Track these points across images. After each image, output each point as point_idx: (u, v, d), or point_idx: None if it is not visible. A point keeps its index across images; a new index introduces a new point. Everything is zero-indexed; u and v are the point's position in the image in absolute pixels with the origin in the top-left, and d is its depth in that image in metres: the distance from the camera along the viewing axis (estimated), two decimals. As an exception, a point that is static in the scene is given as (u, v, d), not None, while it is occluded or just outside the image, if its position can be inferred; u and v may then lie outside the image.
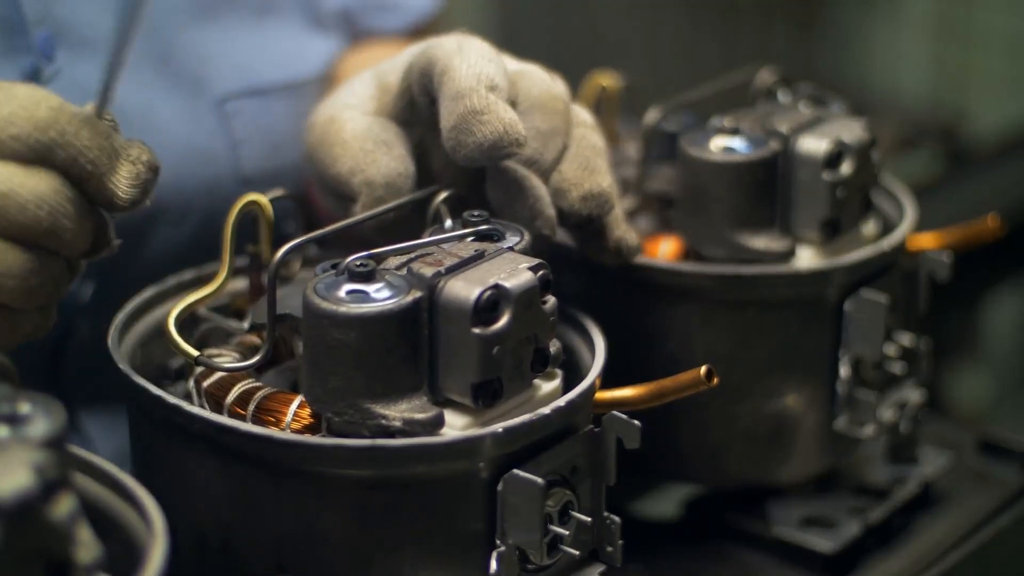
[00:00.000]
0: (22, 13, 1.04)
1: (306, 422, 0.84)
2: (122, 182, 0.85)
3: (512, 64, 0.96)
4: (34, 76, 1.06)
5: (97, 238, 0.87)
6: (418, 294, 0.81)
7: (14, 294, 0.83)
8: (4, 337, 0.84)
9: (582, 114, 0.97)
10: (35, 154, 0.82)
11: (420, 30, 1.33)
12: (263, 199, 0.93)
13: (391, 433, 0.80)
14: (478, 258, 0.83)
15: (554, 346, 0.85)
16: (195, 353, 0.88)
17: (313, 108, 1.03)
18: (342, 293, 0.81)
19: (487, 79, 0.90)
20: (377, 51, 1.28)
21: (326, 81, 1.23)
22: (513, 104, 0.92)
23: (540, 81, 0.95)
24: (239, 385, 0.87)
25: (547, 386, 0.86)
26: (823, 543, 1.06)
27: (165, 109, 1.12)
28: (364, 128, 0.96)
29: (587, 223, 0.94)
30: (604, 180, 0.94)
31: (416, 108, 0.96)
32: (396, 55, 1.00)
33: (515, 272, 0.82)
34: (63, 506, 0.63)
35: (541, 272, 0.83)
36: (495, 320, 0.81)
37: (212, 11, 1.15)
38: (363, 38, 1.28)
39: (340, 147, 0.96)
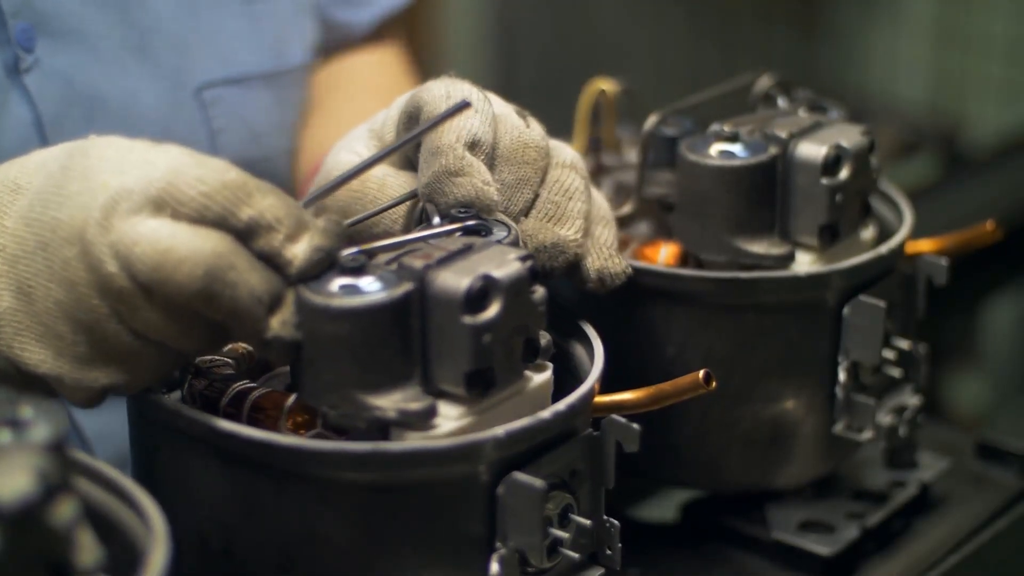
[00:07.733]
0: None
1: (300, 419, 0.85)
2: (300, 251, 0.81)
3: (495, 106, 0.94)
4: (13, 68, 1.05)
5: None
6: (409, 286, 0.81)
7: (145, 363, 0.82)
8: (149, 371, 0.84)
9: (563, 153, 0.95)
10: (217, 213, 0.79)
11: (387, 26, 1.33)
12: None
13: (386, 424, 0.81)
14: (466, 251, 0.84)
15: (544, 338, 0.85)
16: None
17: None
18: (334, 287, 0.81)
19: (468, 135, 0.89)
20: (345, 63, 1.29)
21: (309, 71, 1.22)
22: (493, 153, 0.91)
23: (512, 129, 0.93)
24: (234, 387, 0.87)
25: (538, 378, 0.86)
26: (822, 547, 1.06)
27: (145, 97, 1.11)
28: (401, 184, 0.94)
29: (547, 274, 0.92)
30: (566, 230, 0.92)
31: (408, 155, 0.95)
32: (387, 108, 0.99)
33: (504, 262, 0.82)
34: (64, 510, 0.63)
35: (529, 263, 0.83)
36: (485, 309, 0.81)
37: None
38: (332, 30, 1.28)
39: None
